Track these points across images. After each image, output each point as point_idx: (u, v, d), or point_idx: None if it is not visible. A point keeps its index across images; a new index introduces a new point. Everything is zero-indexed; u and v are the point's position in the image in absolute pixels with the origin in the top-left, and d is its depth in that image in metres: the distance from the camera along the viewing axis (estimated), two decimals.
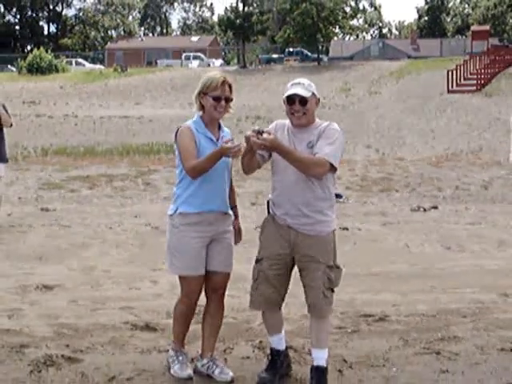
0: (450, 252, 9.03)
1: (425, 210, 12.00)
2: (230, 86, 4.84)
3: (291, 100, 4.66)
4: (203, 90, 4.81)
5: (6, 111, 9.62)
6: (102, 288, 7.16)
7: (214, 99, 4.77)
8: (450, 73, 37.07)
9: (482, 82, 37.86)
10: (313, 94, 4.69)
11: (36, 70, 53.17)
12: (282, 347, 4.90)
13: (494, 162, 17.54)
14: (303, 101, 4.63)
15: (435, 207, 12.21)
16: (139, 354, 5.41)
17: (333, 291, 4.74)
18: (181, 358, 4.91)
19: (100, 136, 23.98)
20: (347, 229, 10.21)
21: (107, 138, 23.51)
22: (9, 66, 64.33)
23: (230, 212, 5.07)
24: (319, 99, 4.81)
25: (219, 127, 4.91)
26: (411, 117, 28.78)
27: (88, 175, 14.72)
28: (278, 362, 4.84)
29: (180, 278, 4.88)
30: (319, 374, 4.71)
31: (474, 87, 36.98)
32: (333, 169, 4.62)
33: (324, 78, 44.77)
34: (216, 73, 4.90)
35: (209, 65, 62.58)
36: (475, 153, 19.56)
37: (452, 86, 36.67)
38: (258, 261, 4.92)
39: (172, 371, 4.87)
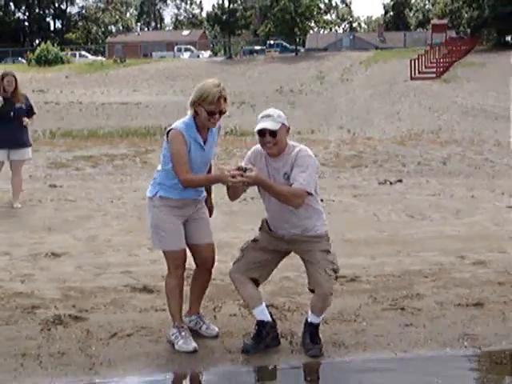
0: (413, 220, 9.04)
1: (391, 183, 11.99)
2: (225, 99, 4.51)
3: (262, 133, 4.52)
4: (199, 101, 4.49)
5: (31, 106, 9.35)
6: (104, 255, 7.12)
7: (209, 113, 4.50)
8: (412, 62, 37.00)
9: (441, 69, 37.83)
10: (282, 124, 4.51)
11: (44, 61, 52.57)
12: (266, 318, 4.71)
13: (451, 141, 17.56)
14: (273, 133, 4.49)
15: (400, 181, 12.21)
16: (138, 313, 5.40)
17: (335, 272, 4.67)
18: (183, 333, 4.68)
19: (102, 120, 23.77)
20: (322, 200, 10.11)
21: (108, 122, 23.31)
22: (19, 59, 63.53)
23: (205, 193, 4.92)
24: (289, 127, 4.61)
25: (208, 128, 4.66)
26: (379, 101, 28.72)
27: (91, 155, 14.58)
28: (264, 332, 4.68)
29: (165, 253, 4.72)
30: (312, 328, 4.71)
31: (434, 74, 36.95)
32: (309, 194, 4.50)
33: (301, 67, 44.57)
34: (213, 84, 4.49)
35: (198, 56, 62.10)
36: (435, 132, 19.56)
37: (414, 74, 36.61)
38: (254, 240, 4.84)
39: (177, 347, 4.64)
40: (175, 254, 4.68)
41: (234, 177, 4.35)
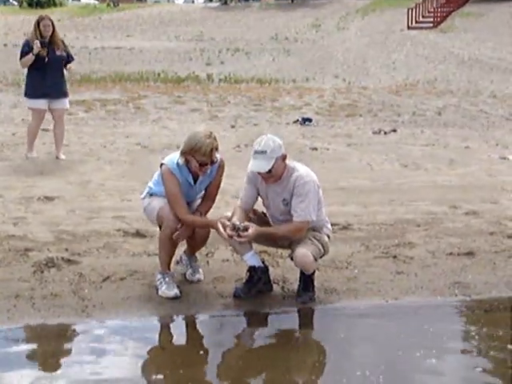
0: (407, 170, 9.02)
1: (385, 132, 11.93)
2: (217, 149, 4.56)
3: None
4: (190, 152, 4.50)
5: (69, 53, 8.83)
6: (97, 199, 7.09)
7: (201, 165, 4.54)
8: (409, 11, 36.46)
9: (438, 19, 37.31)
10: (276, 159, 4.42)
11: (36, 4, 51.48)
12: (257, 263, 4.71)
13: (447, 91, 17.41)
14: (268, 171, 4.45)
15: (394, 130, 12.14)
16: (131, 257, 5.40)
17: (322, 250, 4.67)
18: (167, 279, 4.73)
19: (95, 65, 23.39)
20: (316, 149, 10.14)
21: (101, 66, 22.96)
22: (10, 0, 62.25)
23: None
24: (285, 155, 4.51)
25: None
26: (375, 50, 28.38)
27: (84, 100, 14.40)
28: (255, 277, 4.67)
29: (158, 216, 4.75)
30: (305, 277, 4.72)
31: (431, 24, 36.45)
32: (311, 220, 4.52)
33: (297, 15, 43.88)
34: (204, 135, 4.50)
35: (193, 1, 61.07)
36: (431, 83, 19.38)
37: (411, 23, 36.12)
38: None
39: (160, 292, 4.70)
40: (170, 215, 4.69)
41: (231, 236, 4.42)
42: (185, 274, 5.04)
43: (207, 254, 5.44)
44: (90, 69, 21.32)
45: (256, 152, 4.45)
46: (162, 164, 4.71)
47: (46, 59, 8.52)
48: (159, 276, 4.78)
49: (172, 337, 4.40)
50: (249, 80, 19.12)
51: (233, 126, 12.17)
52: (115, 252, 5.51)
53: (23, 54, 8.57)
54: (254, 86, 18.07)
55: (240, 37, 34.17)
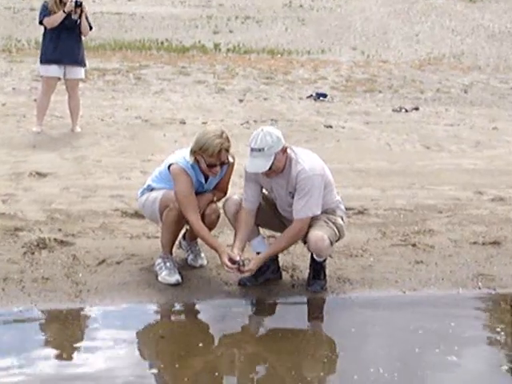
0: (429, 151, 8.99)
1: (406, 110, 11.87)
2: (227, 150, 4.55)
3: None
4: (199, 151, 4.52)
5: (87, 18, 8.82)
6: (94, 177, 7.09)
7: (209, 166, 4.56)
8: None
9: None
10: (275, 154, 4.36)
11: None
12: (264, 249, 4.70)
13: (474, 67, 17.29)
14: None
15: (416, 108, 12.08)
16: (129, 239, 5.41)
17: (338, 234, 4.66)
18: (168, 264, 4.74)
19: (93, 32, 23.37)
20: (331, 127, 10.10)
21: (100, 33, 22.86)
22: None
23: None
24: (286, 147, 4.45)
25: None
26: (396, 21, 28.16)
27: None
28: (263, 264, 4.68)
29: (162, 202, 4.77)
30: (315, 264, 4.73)
31: None
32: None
33: None
34: (214, 135, 4.50)
35: None
36: (457, 57, 19.26)
37: None
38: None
39: (160, 278, 4.71)
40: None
41: (231, 268, 4.46)
42: (186, 259, 5.05)
43: None
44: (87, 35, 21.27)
45: (253, 150, 4.38)
46: (170, 165, 4.66)
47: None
48: (159, 260, 4.79)
49: (172, 326, 4.41)
50: (259, 51, 19.03)
51: (241, 101, 12.13)
52: (112, 233, 5.51)
53: (43, 17, 8.60)
54: (264, 57, 17.99)
55: (251, 3, 33.95)
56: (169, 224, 4.70)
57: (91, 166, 7.46)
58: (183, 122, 9.91)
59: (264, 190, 4.74)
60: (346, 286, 4.82)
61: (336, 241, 4.71)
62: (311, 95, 12.73)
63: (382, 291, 4.80)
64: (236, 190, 5.01)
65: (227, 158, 4.60)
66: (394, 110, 11.89)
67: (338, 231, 4.68)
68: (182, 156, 4.68)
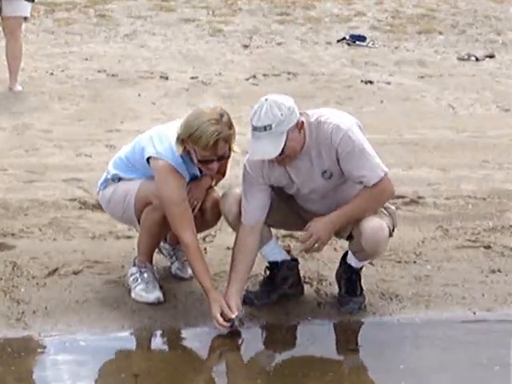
0: (509, 116, 9.00)
1: (477, 59, 11.83)
2: (227, 140, 4.42)
3: None
4: (188, 140, 4.40)
5: None
6: (41, 153, 7.13)
7: (201, 162, 4.48)
8: None
9: None
10: (287, 132, 4.25)
11: None
12: (280, 257, 4.72)
13: None
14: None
15: (491, 56, 12.05)
16: (90, 241, 5.44)
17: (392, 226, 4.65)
18: (146, 275, 4.74)
19: None
20: (372, 82, 10.10)
21: None
22: None
23: None
24: (302, 122, 4.33)
25: None
26: None
27: None
28: (279, 276, 4.69)
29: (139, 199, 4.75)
30: (351, 273, 4.73)
31: None
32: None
33: None
34: (209, 118, 4.38)
35: None
36: None
37: None
38: None
39: (134, 294, 4.72)
40: None
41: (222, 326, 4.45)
42: (169, 269, 5.06)
43: (205, 239, 5.46)
44: None
45: (256, 129, 4.26)
46: (149, 158, 4.55)
47: None
48: (134, 270, 4.79)
49: (149, 361, 4.41)
50: None
51: (246, 46, 12.10)
52: (67, 233, 5.54)
53: None
54: None
55: None
56: (150, 227, 4.69)
57: (37, 139, 7.49)
58: (165, 77, 9.91)
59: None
60: (392, 305, 4.84)
61: (390, 234, 4.68)
62: (343, 38, 12.69)
63: (444, 312, 4.81)
64: (238, 171, 5.00)
65: (228, 151, 4.50)
66: (459, 59, 11.86)
67: (392, 219, 4.67)
68: (168, 143, 4.53)
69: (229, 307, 4.44)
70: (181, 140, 4.44)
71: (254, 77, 10.06)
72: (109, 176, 4.82)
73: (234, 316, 4.43)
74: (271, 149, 4.26)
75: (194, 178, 4.69)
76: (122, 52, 11.44)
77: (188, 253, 4.57)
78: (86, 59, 10.82)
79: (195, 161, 4.51)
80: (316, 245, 4.43)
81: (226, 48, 11.75)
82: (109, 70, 10.19)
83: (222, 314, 4.42)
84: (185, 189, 4.56)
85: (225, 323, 4.41)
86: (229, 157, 4.57)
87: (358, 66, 11.01)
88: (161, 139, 4.57)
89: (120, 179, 4.79)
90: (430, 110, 9.07)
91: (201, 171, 4.69)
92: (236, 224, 4.62)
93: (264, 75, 10.06)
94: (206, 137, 4.34)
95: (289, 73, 10.33)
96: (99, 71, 10.16)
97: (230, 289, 4.52)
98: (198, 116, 4.41)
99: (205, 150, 4.38)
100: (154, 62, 10.66)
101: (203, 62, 10.88)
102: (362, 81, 10.16)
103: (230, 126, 4.44)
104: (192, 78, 9.87)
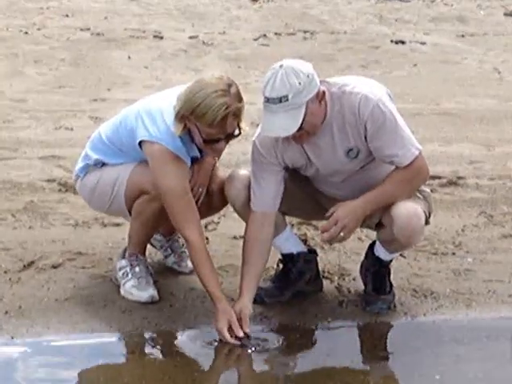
0: None
1: None
2: (237, 115, 4.36)
3: None
4: (190, 116, 4.33)
5: None
6: (14, 126, 7.16)
7: (206, 142, 4.41)
8: None
9: None
10: (307, 104, 4.21)
11: None
12: (295, 248, 4.75)
13: None
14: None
15: None
16: (72, 229, 5.48)
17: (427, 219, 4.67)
18: (137, 269, 4.76)
19: None
20: (403, 42, 10.10)
21: None
22: None
23: None
24: (323, 91, 4.29)
25: None
26: None
27: None
28: (294, 270, 4.74)
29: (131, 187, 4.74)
30: (379, 266, 4.76)
31: None
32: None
33: None
34: (215, 90, 4.30)
35: None
36: None
37: None
38: None
39: (124, 291, 4.76)
40: None
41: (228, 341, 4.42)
42: (164, 261, 5.09)
43: (207, 227, 5.49)
44: None
45: (269, 100, 4.23)
46: (141, 141, 4.51)
47: None
48: (124, 263, 4.81)
49: (142, 368, 4.43)
50: None
51: (255, 0, 12.09)
52: (45, 219, 5.58)
53: None
54: None
55: None
56: (147, 220, 4.70)
57: (9, 109, 7.53)
58: (159, 37, 9.92)
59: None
60: (427, 304, 4.86)
61: (426, 221, 4.68)
62: None
63: (487, 311, 4.83)
64: (247, 146, 5.00)
65: (238, 128, 4.45)
66: (506, 14, 11.84)
67: (428, 203, 4.68)
68: (162, 122, 4.47)
69: (239, 321, 4.42)
70: (180, 117, 4.37)
71: (265, 36, 10.06)
72: (90, 162, 4.77)
73: (241, 334, 4.41)
74: (288, 124, 4.23)
75: (193, 161, 4.65)
76: (108, 7, 11.45)
77: (192, 252, 4.55)
78: (67, 15, 10.85)
79: (198, 141, 4.45)
80: (342, 234, 4.41)
81: (231, 2, 11.73)
82: (93, 29, 10.22)
83: (229, 329, 4.40)
84: (187, 177, 4.53)
85: (232, 340, 4.40)
86: (238, 135, 4.49)
87: (386, 23, 11.01)
88: (153, 118, 4.51)
89: (104, 164, 4.75)
90: (472, 75, 9.08)
91: (200, 151, 4.65)
92: (244, 212, 4.62)
93: (276, 34, 10.07)
94: (213, 111, 4.27)
95: (305, 31, 10.34)
96: (82, 30, 10.20)
97: (242, 298, 4.51)
98: (201, 87, 4.34)
99: (211, 127, 4.32)
100: (147, 19, 10.68)
101: (204, 19, 10.90)
102: (391, 41, 10.17)
103: (240, 98, 4.38)
104: (191, 37, 9.88)
